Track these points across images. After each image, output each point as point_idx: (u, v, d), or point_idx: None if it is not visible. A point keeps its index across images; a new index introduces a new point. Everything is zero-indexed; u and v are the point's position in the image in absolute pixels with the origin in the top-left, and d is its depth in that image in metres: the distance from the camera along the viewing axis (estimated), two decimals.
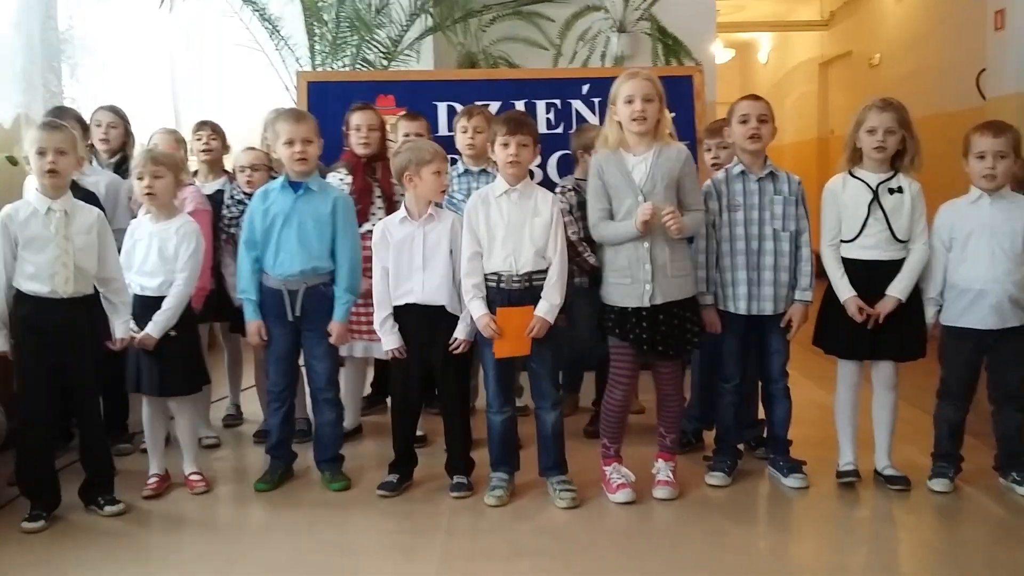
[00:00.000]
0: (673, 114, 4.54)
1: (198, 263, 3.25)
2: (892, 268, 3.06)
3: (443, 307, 3.13)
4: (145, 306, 3.16)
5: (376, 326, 3.21)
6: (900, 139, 3.07)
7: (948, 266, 3.10)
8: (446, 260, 3.12)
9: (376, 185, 3.69)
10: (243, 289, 3.29)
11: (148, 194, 3.17)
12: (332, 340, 3.24)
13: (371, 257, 3.57)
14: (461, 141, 3.76)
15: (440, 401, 3.29)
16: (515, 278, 3.04)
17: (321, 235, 3.22)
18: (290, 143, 3.18)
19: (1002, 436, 3.13)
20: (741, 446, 3.41)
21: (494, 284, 3.06)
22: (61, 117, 3.55)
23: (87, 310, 3.00)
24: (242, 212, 3.71)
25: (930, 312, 3.14)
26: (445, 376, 3.20)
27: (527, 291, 3.05)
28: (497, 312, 3.03)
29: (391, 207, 3.64)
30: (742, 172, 3.18)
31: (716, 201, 3.17)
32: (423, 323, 3.15)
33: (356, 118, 3.72)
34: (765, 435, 3.41)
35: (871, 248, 3.08)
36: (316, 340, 3.25)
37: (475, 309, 3.05)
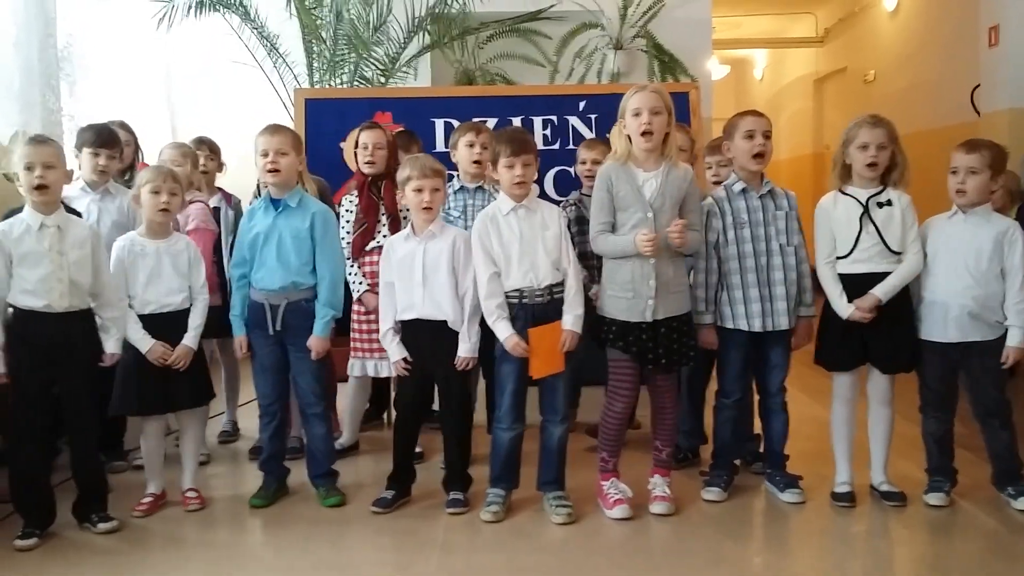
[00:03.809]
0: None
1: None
2: None
3: (445, 322, 3.13)
4: (170, 321, 3.18)
5: (380, 337, 3.24)
6: (890, 155, 3.09)
7: (921, 279, 3.12)
8: (447, 276, 3.12)
9: (381, 203, 3.70)
10: (232, 305, 3.33)
11: (164, 210, 3.19)
12: (312, 356, 3.24)
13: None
14: (467, 157, 3.72)
15: (442, 417, 3.28)
16: (537, 292, 3.04)
17: (300, 251, 3.23)
18: (264, 154, 3.21)
19: (992, 453, 3.13)
20: (738, 461, 3.41)
21: (516, 300, 3.05)
22: (109, 138, 3.63)
23: (82, 324, 3.00)
24: None
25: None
26: (448, 392, 3.19)
27: (550, 304, 3.05)
28: (529, 333, 3.01)
29: (395, 225, 3.65)
30: (744, 189, 3.18)
31: (720, 219, 3.17)
32: (426, 338, 3.15)
33: (363, 137, 3.72)
34: (762, 450, 3.40)
35: (865, 262, 3.09)
36: (299, 356, 3.26)
37: (501, 331, 3.03)
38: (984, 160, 3.02)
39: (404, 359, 3.17)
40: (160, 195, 3.16)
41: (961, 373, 3.10)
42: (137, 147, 4.06)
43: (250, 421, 4.05)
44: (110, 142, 3.66)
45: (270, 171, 3.21)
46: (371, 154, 3.70)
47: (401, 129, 4.30)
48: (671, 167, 3.04)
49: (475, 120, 4.07)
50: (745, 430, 3.47)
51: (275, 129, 3.30)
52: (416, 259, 3.14)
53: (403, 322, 3.18)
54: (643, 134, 2.98)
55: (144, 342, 3.11)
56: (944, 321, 3.05)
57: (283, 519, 3.16)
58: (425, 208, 3.13)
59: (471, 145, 3.71)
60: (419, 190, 3.12)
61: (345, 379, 3.80)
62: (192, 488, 3.29)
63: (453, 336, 3.12)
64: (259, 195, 3.92)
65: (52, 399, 2.97)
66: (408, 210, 3.65)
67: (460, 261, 3.13)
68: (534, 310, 3.05)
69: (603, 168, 3.12)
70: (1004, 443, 3.08)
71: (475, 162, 3.68)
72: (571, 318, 3.03)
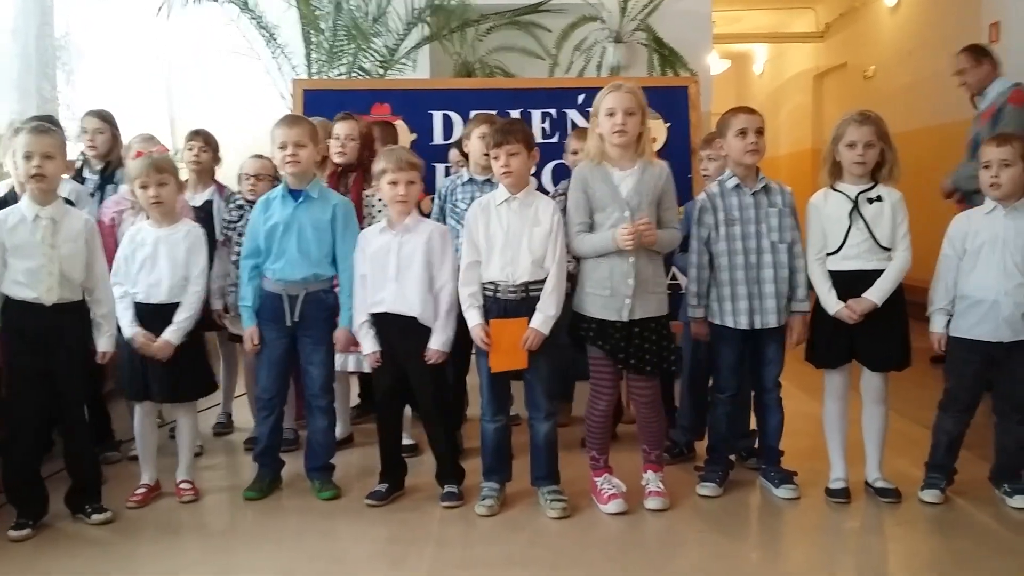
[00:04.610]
0: (668, 124, 4.56)
1: (207, 269, 3.30)
2: (876, 277, 3.06)
3: (415, 319, 3.12)
4: (153, 313, 3.15)
5: (354, 330, 3.22)
6: (879, 151, 3.08)
7: (959, 276, 3.09)
8: (420, 271, 3.11)
9: (347, 195, 3.67)
10: (241, 296, 3.31)
11: (155, 203, 3.16)
12: (339, 348, 3.26)
13: None
14: (479, 148, 3.69)
15: (420, 411, 3.29)
16: (511, 288, 3.03)
17: (320, 242, 3.23)
18: (283, 147, 3.19)
19: (1001, 447, 3.13)
20: (733, 456, 3.41)
21: (491, 293, 3.05)
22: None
23: (74, 317, 2.99)
24: (240, 217, 3.71)
25: (940, 322, 3.12)
26: (421, 387, 3.18)
27: (523, 302, 3.03)
28: (491, 324, 3.01)
29: (358, 217, 3.64)
30: (737, 186, 3.17)
31: (712, 215, 3.16)
32: (395, 333, 3.14)
33: (337, 127, 3.74)
34: (757, 446, 3.40)
35: (854, 258, 3.08)
36: (313, 346, 3.25)
37: (471, 319, 3.04)
38: (1016, 152, 3.00)
39: (375, 352, 3.16)
40: (148, 189, 3.15)
41: (993, 368, 3.06)
42: (115, 136, 3.99)
43: (245, 413, 4.04)
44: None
45: (290, 162, 3.19)
46: (341, 144, 3.70)
47: (379, 120, 4.28)
48: (647, 165, 3.03)
49: (488, 112, 4.04)
50: (742, 426, 3.47)
51: (293, 121, 3.27)
52: (391, 253, 3.13)
53: (373, 315, 3.17)
54: (615, 133, 2.97)
55: (129, 328, 3.11)
56: (995, 319, 3.00)
57: (277, 512, 3.16)
58: (400, 201, 3.12)
59: (484, 137, 3.69)
60: (394, 183, 3.11)
61: None
62: (186, 480, 3.28)
63: (423, 332, 3.11)
64: (239, 185, 3.90)
65: (47, 390, 2.95)
66: (374, 206, 3.67)
67: (435, 255, 3.12)
68: (506, 305, 3.03)
69: (578, 169, 3.11)
70: (1016, 439, 3.07)
71: (486, 154, 3.67)
72: (540, 317, 3.01)
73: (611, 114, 2.98)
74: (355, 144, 3.72)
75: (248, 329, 3.28)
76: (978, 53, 5.01)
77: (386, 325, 3.14)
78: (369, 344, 3.17)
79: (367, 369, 3.71)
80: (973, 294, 3.05)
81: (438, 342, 3.10)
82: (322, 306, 3.24)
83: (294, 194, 3.24)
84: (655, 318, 3.03)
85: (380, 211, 3.65)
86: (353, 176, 3.71)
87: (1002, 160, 3.01)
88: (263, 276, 3.27)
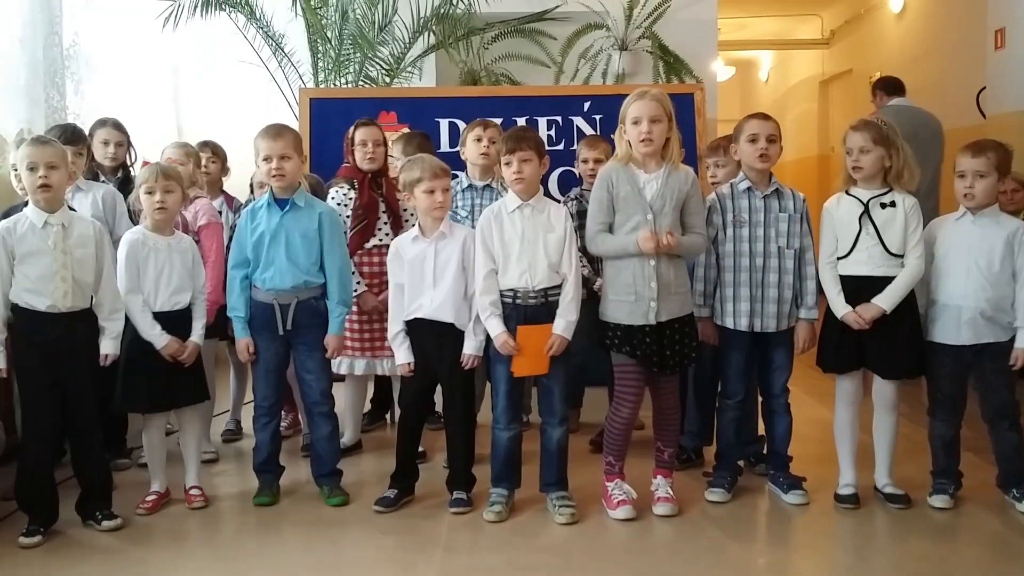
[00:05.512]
0: None
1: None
2: (886, 284, 3.06)
3: (451, 324, 3.13)
4: (173, 321, 3.17)
5: (389, 340, 3.24)
6: (880, 156, 3.07)
7: (930, 281, 3.11)
8: (456, 277, 3.12)
9: (382, 200, 3.73)
10: (232, 307, 3.29)
11: (160, 208, 3.17)
12: (329, 354, 3.26)
13: (383, 272, 3.57)
14: (474, 151, 3.72)
15: (446, 416, 3.28)
16: (531, 294, 3.04)
17: (309, 250, 3.24)
18: (267, 160, 3.19)
19: (999, 454, 3.13)
20: (741, 462, 3.40)
21: (510, 300, 3.06)
22: (73, 135, 3.58)
23: (85, 323, 3.00)
24: None
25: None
26: (452, 392, 3.19)
27: (543, 307, 3.04)
28: (517, 330, 3.02)
29: (397, 222, 3.68)
30: (748, 188, 3.19)
31: (720, 216, 3.18)
32: (431, 338, 3.15)
33: (361, 134, 3.74)
34: (765, 451, 3.40)
35: (864, 263, 3.08)
36: (308, 353, 3.26)
37: (492, 327, 3.04)
38: (991, 162, 3.01)
39: (408, 364, 3.17)
40: (154, 195, 3.15)
41: (971, 375, 3.09)
42: (129, 146, 4.02)
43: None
44: (74, 140, 3.59)
45: (276, 176, 3.19)
46: (372, 151, 3.72)
47: (409, 131, 4.30)
48: (672, 169, 3.04)
49: (485, 119, 4.06)
50: (750, 431, 3.46)
51: (277, 133, 3.23)
52: (427, 261, 3.14)
53: (407, 321, 3.18)
54: (642, 142, 2.99)
55: (160, 338, 3.11)
56: (957, 324, 3.03)
57: (286, 518, 3.17)
58: (439, 208, 3.13)
59: (479, 139, 3.72)
60: (431, 191, 3.12)
61: (341, 379, 3.79)
62: (196, 486, 3.29)
63: (458, 337, 3.12)
64: (252, 194, 3.92)
65: (59, 398, 2.95)
66: (405, 209, 3.69)
67: (470, 261, 3.13)
68: (527, 311, 3.04)
69: (604, 168, 3.12)
70: (1012, 445, 3.07)
71: (483, 154, 3.69)
72: (563, 323, 3.02)
73: (637, 122, 2.99)
74: (383, 149, 3.76)
75: (242, 340, 3.27)
76: (875, 88, 5.87)
77: (422, 331, 3.16)
78: (403, 355, 3.17)
79: (379, 372, 3.74)
80: (940, 298, 3.08)
81: (471, 347, 3.11)
82: (314, 313, 3.25)
83: (280, 203, 3.25)
84: (679, 318, 3.04)
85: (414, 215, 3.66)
86: (384, 182, 3.74)
87: (976, 171, 3.02)
88: (253, 286, 3.27)
